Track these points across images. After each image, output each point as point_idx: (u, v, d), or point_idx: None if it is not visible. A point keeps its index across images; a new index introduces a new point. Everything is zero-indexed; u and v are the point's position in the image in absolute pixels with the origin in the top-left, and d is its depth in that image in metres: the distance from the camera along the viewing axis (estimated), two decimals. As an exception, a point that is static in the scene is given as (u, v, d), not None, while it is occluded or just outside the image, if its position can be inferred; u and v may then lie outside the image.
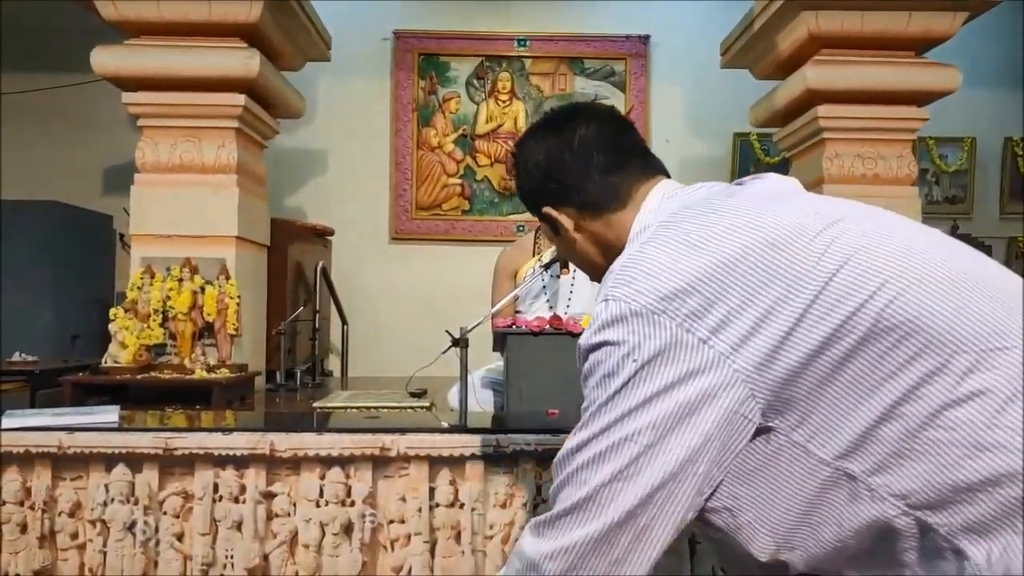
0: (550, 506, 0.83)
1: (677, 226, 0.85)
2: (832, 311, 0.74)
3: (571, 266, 2.58)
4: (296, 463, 1.79)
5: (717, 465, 0.77)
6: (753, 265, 0.77)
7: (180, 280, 2.96)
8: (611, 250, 1.02)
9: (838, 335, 0.74)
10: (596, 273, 1.08)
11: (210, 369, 2.82)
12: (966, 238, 4.57)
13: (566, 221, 1.06)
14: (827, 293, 0.75)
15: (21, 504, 1.78)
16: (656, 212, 0.97)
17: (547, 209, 1.07)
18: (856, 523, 0.76)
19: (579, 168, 1.03)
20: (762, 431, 0.77)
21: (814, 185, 3.43)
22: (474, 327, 2.05)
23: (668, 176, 1.06)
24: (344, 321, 4.22)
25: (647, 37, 4.75)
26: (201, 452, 1.77)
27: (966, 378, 0.72)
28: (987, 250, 4.54)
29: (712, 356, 0.75)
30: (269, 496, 1.79)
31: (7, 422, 1.80)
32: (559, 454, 0.83)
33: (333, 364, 4.45)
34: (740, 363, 0.75)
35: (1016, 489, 0.69)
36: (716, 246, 0.79)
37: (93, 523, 1.78)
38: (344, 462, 1.78)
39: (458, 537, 1.79)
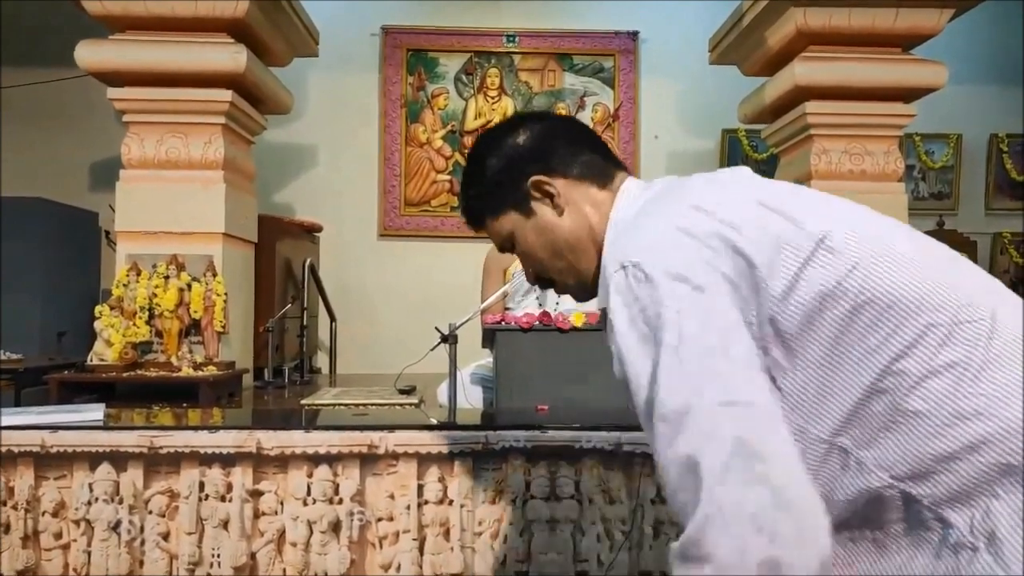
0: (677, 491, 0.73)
1: (671, 193, 0.90)
2: (828, 267, 0.79)
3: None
4: (283, 461, 1.78)
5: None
6: (759, 215, 0.82)
7: (166, 277, 2.94)
8: (590, 239, 1.00)
9: (835, 295, 0.78)
10: (570, 266, 1.02)
11: (197, 367, 2.80)
12: (952, 234, 4.60)
13: (560, 185, 1.00)
14: (822, 250, 0.80)
15: (4, 504, 1.76)
16: (638, 197, 0.98)
17: (538, 177, 1.01)
18: (845, 493, 0.80)
19: (572, 140, 1.03)
20: None
21: (802, 181, 3.44)
22: (463, 323, 2.04)
23: None
24: (332, 318, 4.20)
25: (636, 33, 4.75)
26: (187, 450, 1.76)
27: (941, 350, 0.76)
28: (972, 246, 4.58)
29: (740, 294, 0.79)
30: (256, 494, 1.78)
31: (-10, 421, 1.78)
32: (658, 430, 0.75)
33: (321, 361, 4.43)
34: (767, 295, 0.79)
35: (993, 454, 0.72)
36: (723, 205, 0.83)
37: (77, 523, 1.76)
38: (332, 460, 1.77)
39: (447, 534, 1.78)
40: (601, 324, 0.96)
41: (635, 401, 0.80)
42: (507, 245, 1.08)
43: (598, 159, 1.03)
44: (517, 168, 1.02)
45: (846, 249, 0.80)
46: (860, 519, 0.80)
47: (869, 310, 0.78)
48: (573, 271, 1.03)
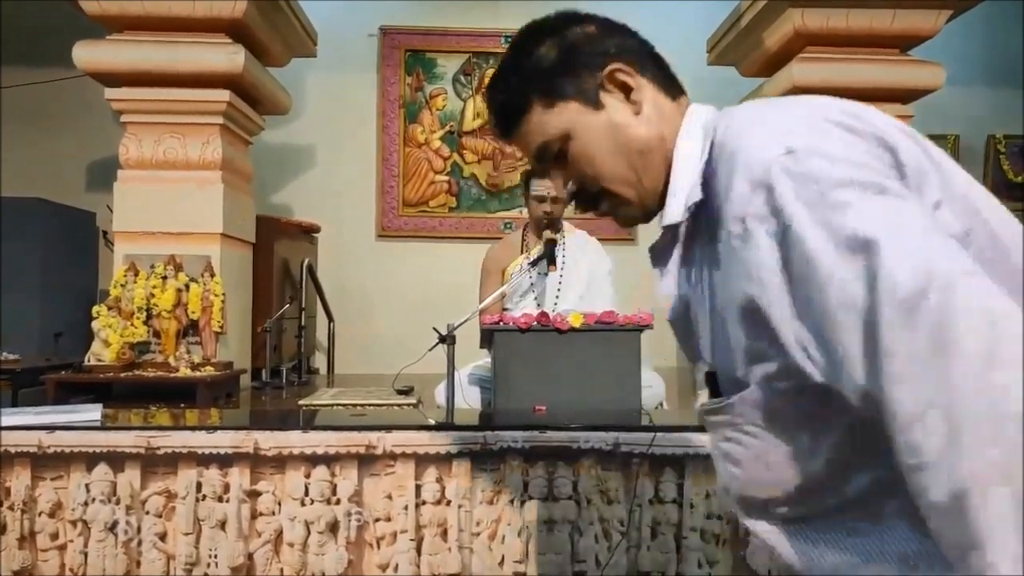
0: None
1: (787, 102, 0.78)
2: (959, 211, 0.73)
3: (558, 263, 2.58)
4: (281, 461, 1.78)
5: None
6: (906, 141, 0.74)
7: (164, 277, 2.94)
8: (661, 151, 0.86)
9: (962, 242, 0.70)
10: (636, 175, 0.87)
11: (195, 367, 2.80)
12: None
13: (640, 79, 0.88)
14: (955, 193, 0.74)
15: (0, 504, 1.75)
16: (717, 119, 0.83)
17: (619, 65, 0.87)
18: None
19: (641, 43, 0.92)
20: None
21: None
22: (461, 324, 2.04)
23: None
24: (330, 318, 4.20)
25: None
26: (184, 451, 1.76)
27: None
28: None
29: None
30: (253, 495, 1.78)
31: (-14, 421, 1.77)
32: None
33: (319, 361, 4.43)
34: None
35: None
36: (872, 118, 0.74)
37: (74, 523, 1.75)
38: (330, 460, 1.77)
39: (445, 534, 1.78)
40: (667, 243, 0.85)
41: (823, 300, 0.65)
42: (552, 148, 0.89)
43: (662, 74, 0.91)
44: (588, 53, 0.88)
45: (975, 200, 0.74)
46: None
47: (988, 271, 0.68)
48: (635, 183, 0.87)
